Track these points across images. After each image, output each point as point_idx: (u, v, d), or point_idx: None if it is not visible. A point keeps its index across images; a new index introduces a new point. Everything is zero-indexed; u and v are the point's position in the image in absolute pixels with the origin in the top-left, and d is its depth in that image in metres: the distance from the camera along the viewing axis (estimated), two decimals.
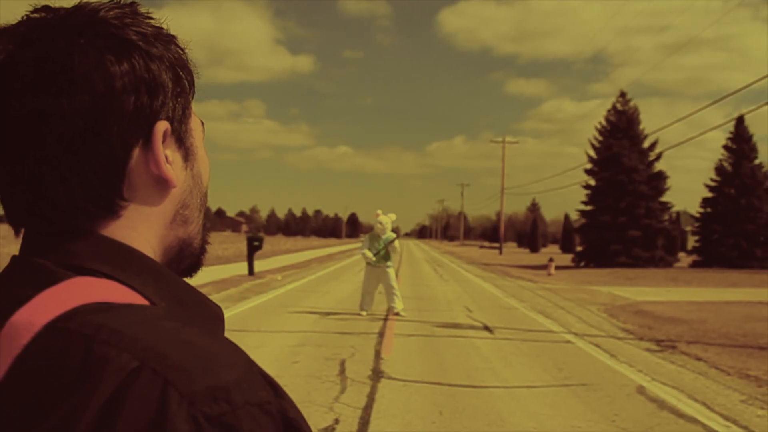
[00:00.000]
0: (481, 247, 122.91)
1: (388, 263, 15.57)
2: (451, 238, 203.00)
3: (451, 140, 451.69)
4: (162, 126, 0.83)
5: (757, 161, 51.16)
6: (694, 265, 50.29)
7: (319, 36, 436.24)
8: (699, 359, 11.25)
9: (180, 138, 0.88)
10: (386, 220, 15.50)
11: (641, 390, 8.86)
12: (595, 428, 7.09)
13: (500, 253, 76.01)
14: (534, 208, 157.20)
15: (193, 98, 0.92)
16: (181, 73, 0.88)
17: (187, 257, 0.94)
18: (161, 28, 0.87)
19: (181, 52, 0.89)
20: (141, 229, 0.85)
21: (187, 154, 0.89)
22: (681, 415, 7.75)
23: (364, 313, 15.47)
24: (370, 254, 15.48)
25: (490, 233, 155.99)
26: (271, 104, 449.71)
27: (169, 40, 0.88)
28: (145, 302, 0.78)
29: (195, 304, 0.85)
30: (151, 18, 0.87)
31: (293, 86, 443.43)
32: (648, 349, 12.20)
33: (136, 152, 0.82)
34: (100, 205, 0.81)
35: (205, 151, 0.95)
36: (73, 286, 0.75)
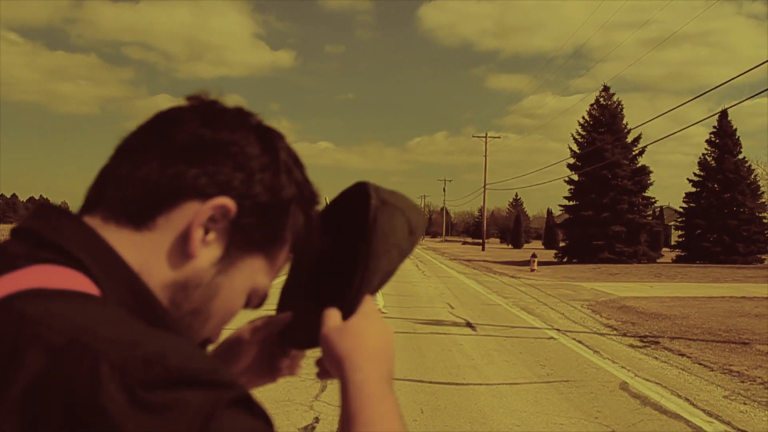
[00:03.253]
0: (464, 243, 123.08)
1: None
2: (434, 235, 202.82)
3: (432, 136, 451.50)
4: (226, 201, 0.84)
5: (740, 156, 51.37)
6: (678, 260, 50.54)
7: (299, 31, 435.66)
8: (682, 355, 11.23)
9: (236, 241, 0.87)
10: None
11: (624, 386, 8.81)
12: (578, 425, 7.03)
13: (483, 249, 76.24)
14: (517, 203, 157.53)
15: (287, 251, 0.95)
16: (303, 210, 0.93)
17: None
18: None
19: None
20: (146, 254, 0.84)
21: (225, 259, 0.87)
22: (664, 411, 7.70)
23: None
24: None
25: (473, 229, 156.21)
26: (251, 100, 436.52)
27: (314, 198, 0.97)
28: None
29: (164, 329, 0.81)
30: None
31: (274, 81, 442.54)
32: (631, 345, 12.18)
33: (196, 201, 0.84)
34: (137, 211, 0.84)
35: (242, 301, 0.93)
36: (35, 271, 0.75)
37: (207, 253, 0.85)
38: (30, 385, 0.64)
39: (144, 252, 0.83)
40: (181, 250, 0.84)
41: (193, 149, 0.85)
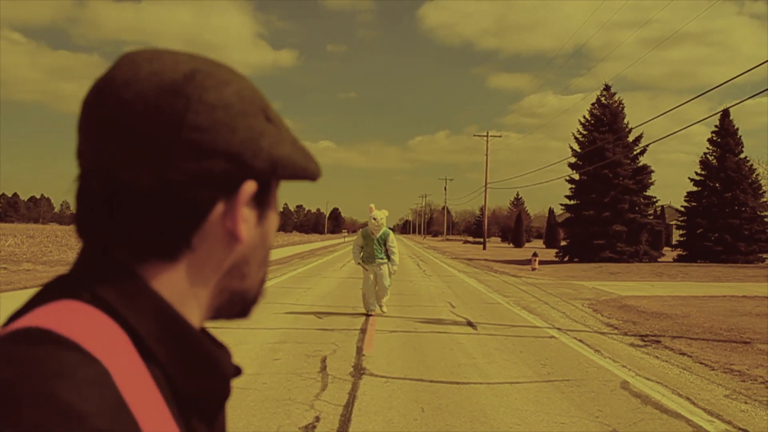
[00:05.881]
0: (465, 242, 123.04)
1: (384, 261, 14.81)
2: (435, 233, 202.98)
3: (433, 135, 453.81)
4: (251, 186, 0.80)
5: (742, 155, 51.35)
6: (679, 259, 50.49)
7: (301, 30, 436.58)
8: (683, 354, 11.22)
9: (261, 197, 0.84)
10: (381, 215, 14.65)
11: (625, 385, 8.80)
12: (579, 424, 7.02)
13: (484, 248, 76.15)
14: (518, 202, 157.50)
15: None
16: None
17: (237, 306, 0.89)
18: None
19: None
20: (191, 276, 0.81)
21: (263, 213, 0.86)
22: (665, 410, 7.69)
23: (373, 311, 14.72)
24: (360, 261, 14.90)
25: (474, 228, 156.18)
26: None
27: None
28: (125, 339, 0.73)
29: (199, 358, 0.80)
30: None
31: (275, 81, 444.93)
32: (632, 344, 12.16)
33: (221, 204, 0.79)
34: (165, 245, 0.78)
35: (276, 206, 0.91)
36: (51, 309, 0.72)
37: (250, 224, 0.83)
38: None
39: (194, 276, 0.80)
40: (228, 246, 0.82)
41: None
